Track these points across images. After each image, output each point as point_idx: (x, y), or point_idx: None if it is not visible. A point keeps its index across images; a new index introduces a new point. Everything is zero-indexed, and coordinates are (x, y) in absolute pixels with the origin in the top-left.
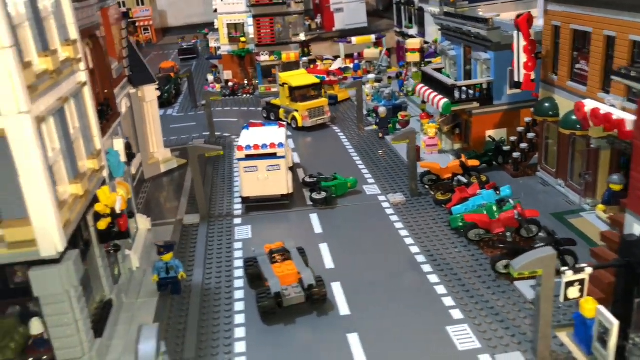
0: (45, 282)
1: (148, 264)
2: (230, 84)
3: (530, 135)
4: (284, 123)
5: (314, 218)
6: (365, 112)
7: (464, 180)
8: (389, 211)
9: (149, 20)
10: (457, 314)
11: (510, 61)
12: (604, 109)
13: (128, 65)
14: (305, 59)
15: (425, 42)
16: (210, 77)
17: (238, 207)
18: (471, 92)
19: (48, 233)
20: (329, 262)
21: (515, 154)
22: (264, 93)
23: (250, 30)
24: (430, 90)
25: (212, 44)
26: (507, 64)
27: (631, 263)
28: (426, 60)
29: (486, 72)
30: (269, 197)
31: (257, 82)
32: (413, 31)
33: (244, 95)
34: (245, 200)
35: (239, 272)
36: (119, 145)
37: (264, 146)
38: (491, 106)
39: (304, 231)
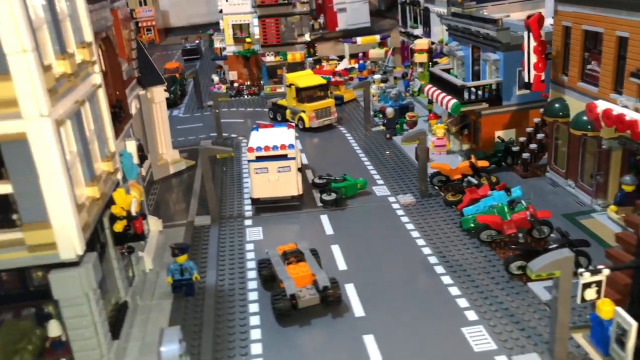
0: (65, 285)
1: (160, 265)
2: (235, 84)
3: (540, 135)
4: (293, 124)
5: (325, 219)
6: (371, 113)
7: (474, 181)
8: (400, 212)
9: (151, 21)
10: (471, 315)
11: (519, 62)
12: (616, 109)
13: (137, 66)
14: (310, 59)
15: (432, 43)
16: (216, 78)
17: (248, 209)
18: (480, 92)
19: (68, 236)
20: (341, 264)
21: (525, 155)
22: (270, 94)
23: (256, 30)
24: (439, 91)
25: (217, 45)
26: (516, 65)
27: None
28: (433, 60)
29: (495, 72)
30: (279, 198)
31: (262, 82)
32: (418, 31)
33: (245, 96)
34: (255, 201)
35: (252, 274)
36: (131, 147)
37: (275, 147)
38: (500, 107)
39: (315, 232)
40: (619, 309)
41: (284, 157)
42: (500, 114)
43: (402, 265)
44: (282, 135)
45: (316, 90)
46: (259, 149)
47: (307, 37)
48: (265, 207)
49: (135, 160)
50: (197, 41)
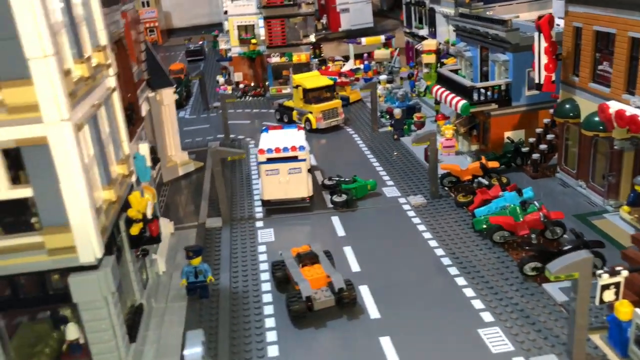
0: (84, 288)
1: (173, 267)
2: (241, 85)
3: (550, 136)
4: (302, 126)
5: (336, 221)
6: (377, 114)
7: (485, 182)
8: (410, 213)
9: (154, 22)
10: (487, 316)
11: (528, 62)
12: (629, 110)
13: (147, 68)
14: (315, 60)
15: (439, 44)
16: (221, 79)
17: (259, 210)
18: (489, 93)
19: (87, 239)
20: (354, 265)
21: (535, 155)
22: (275, 95)
23: (261, 31)
24: (448, 92)
25: (222, 46)
26: (525, 65)
27: None
28: (440, 61)
29: (504, 73)
30: (290, 200)
31: (267, 83)
32: (423, 32)
33: (249, 98)
34: (265, 203)
35: (266, 275)
36: (144, 149)
37: (285, 149)
38: (509, 107)
39: (326, 234)
40: (638, 310)
41: (294, 158)
42: (510, 115)
43: (415, 267)
44: (293, 137)
45: (323, 91)
46: (269, 150)
47: (312, 38)
48: (275, 208)
49: (148, 162)
50: (200, 42)
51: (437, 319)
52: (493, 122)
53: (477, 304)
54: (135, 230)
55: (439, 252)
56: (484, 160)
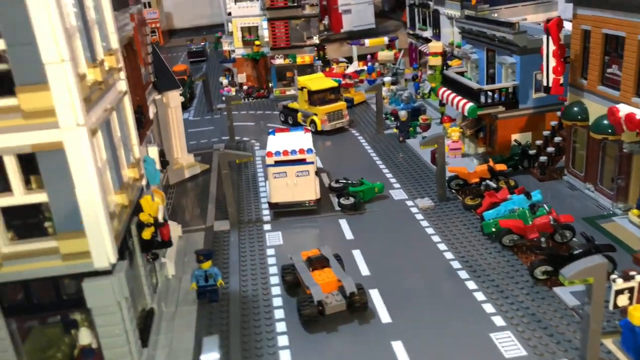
0: (98, 294)
1: (181, 271)
2: (244, 87)
3: (557, 139)
4: (309, 128)
5: (344, 224)
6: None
7: (493, 185)
8: (419, 216)
9: (156, 23)
10: (499, 320)
11: (535, 65)
12: (639, 114)
13: (153, 71)
14: (318, 62)
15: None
16: (225, 81)
17: (266, 213)
18: (497, 96)
19: (101, 245)
20: (364, 269)
21: (542, 158)
22: (279, 96)
23: (265, 33)
24: (454, 94)
25: (226, 47)
26: (532, 68)
27: None
28: (446, 63)
29: (511, 75)
30: (297, 202)
31: (271, 85)
32: (427, 33)
33: (250, 100)
34: (273, 206)
35: (275, 279)
36: (153, 152)
37: (293, 152)
38: (516, 110)
39: (335, 237)
40: None
41: (302, 161)
42: (517, 117)
43: (425, 270)
44: (300, 140)
45: (328, 93)
46: (277, 153)
47: (316, 40)
48: (283, 211)
49: (158, 166)
50: (202, 43)
51: (449, 323)
52: (500, 125)
53: (488, 307)
54: (147, 234)
55: (448, 255)
56: (491, 163)
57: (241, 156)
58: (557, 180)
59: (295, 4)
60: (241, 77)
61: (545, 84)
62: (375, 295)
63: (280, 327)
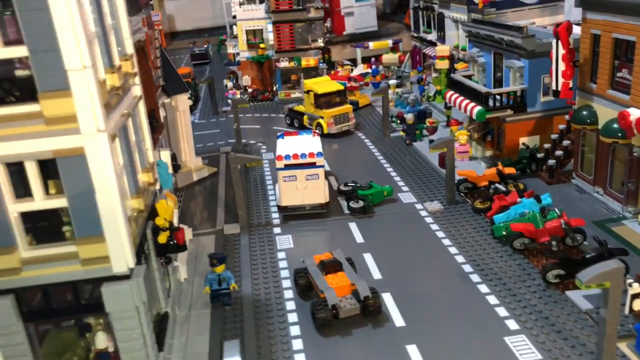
0: (117, 298)
1: (193, 274)
2: (249, 90)
3: (565, 142)
4: (318, 132)
5: (353, 227)
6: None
7: (502, 188)
8: (428, 220)
9: (158, 25)
10: (512, 324)
11: (543, 69)
12: None
13: (162, 74)
14: (323, 64)
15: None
16: (229, 84)
17: (275, 216)
18: (505, 99)
19: (120, 249)
20: (375, 272)
21: (551, 161)
22: (284, 99)
23: (270, 36)
24: (462, 98)
25: (230, 50)
26: (540, 72)
27: None
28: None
29: (519, 79)
30: (306, 206)
31: (276, 88)
32: (432, 36)
33: (253, 102)
34: (282, 209)
35: (287, 283)
36: (165, 156)
37: (303, 156)
38: (524, 113)
39: (345, 241)
40: None
41: (312, 165)
42: (525, 121)
43: (437, 274)
44: (310, 143)
45: (334, 96)
46: (287, 157)
47: (320, 43)
48: (292, 214)
49: (170, 169)
50: (205, 46)
51: (463, 327)
52: (507, 128)
53: (502, 311)
54: (162, 238)
55: (460, 259)
56: (500, 167)
57: (251, 160)
58: (565, 183)
59: (300, 7)
60: (246, 80)
61: (554, 87)
62: (387, 298)
63: (294, 330)
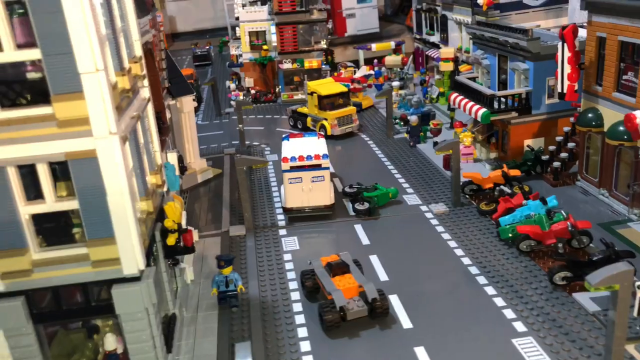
0: (127, 300)
1: (199, 276)
2: (252, 91)
3: (571, 144)
4: (322, 133)
5: (359, 229)
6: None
7: (507, 190)
8: (434, 221)
9: (160, 26)
10: (520, 326)
11: (548, 71)
12: None
13: (168, 76)
14: (326, 66)
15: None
16: (232, 85)
17: (281, 218)
18: (510, 101)
19: (131, 251)
20: (382, 274)
21: (556, 163)
22: (286, 101)
23: (273, 37)
24: (467, 100)
25: (233, 52)
26: (545, 74)
27: None
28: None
29: (524, 81)
30: (312, 208)
31: (279, 89)
32: (435, 38)
33: (256, 104)
34: (287, 210)
35: (294, 284)
36: (172, 158)
37: (309, 157)
38: (529, 115)
39: (351, 242)
40: None
41: (318, 167)
42: (529, 123)
43: (443, 276)
44: (315, 145)
45: (338, 98)
46: (293, 159)
47: (323, 44)
48: (297, 216)
49: (177, 171)
50: (207, 47)
51: (470, 329)
52: (512, 130)
53: (509, 313)
54: (171, 240)
55: (466, 260)
56: (505, 169)
57: (257, 162)
58: (570, 185)
59: (304, 9)
60: (248, 82)
61: (559, 90)
62: (395, 300)
63: (302, 332)
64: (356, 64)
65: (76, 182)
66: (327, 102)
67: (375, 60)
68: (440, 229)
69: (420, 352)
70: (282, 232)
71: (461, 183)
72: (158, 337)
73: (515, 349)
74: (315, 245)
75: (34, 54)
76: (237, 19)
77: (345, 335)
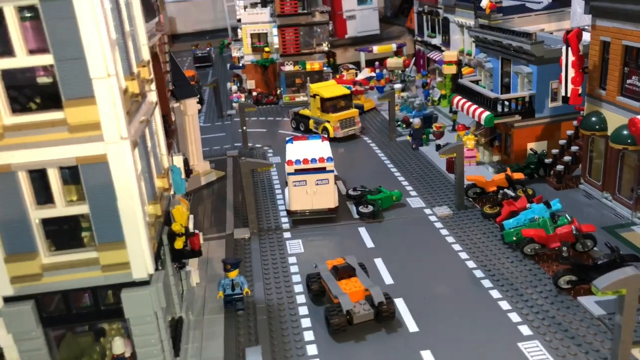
0: (137, 304)
1: (204, 279)
2: (254, 93)
3: (574, 148)
4: (326, 136)
5: (363, 232)
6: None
7: (511, 193)
8: (438, 225)
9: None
10: (525, 330)
11: (552, 74)
12: None
13: (171, 79)
14: (327, 68)
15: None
16: (234, 87)
17: (285, 221)
18: (513, 105)
19: (140, 255)
20: (387, 278)
21: (559, 167)
22: (288, 103)
23: (275, 40)
24: (469, 103)
25: (235, 54)
26: (549, 78)
27: None
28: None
29: (527, 85)
30: (316, 211)
31: (281, 91)
32: (436, 41)
33: (258, 106)
34: (291, 213)
35: (299, 287)
36: (178, 161)
37: (313, 160)
38: (533, 119)
39: (356, 246)
40: None
41: (322, 170)
42: (533, 126)
43: (448, 279)
44: (319, 148)
45: (340, 100)
46: (297, 162)
47: (325, 46)
48: (301, 219)
49: (183, 175)
50: (207, 48)
51: (476, 332)
52: (515, 134)
53: (514, 317)
54: (179, 244)
55: (470, 264)
56: (509, 172)
57: (262, 165)
58: (573, 189)
59: (306, 11)
60: (250, 84)
61: (563, 94)
62: (400, 304)
63: (308, 335)
64: (357, 65)
65: (87, 187)
66: (329, 105)
67: (377, 63)
68: (444, 232)
69: (427, 355)
70: (287, 235)
71: (465, 186)
72: (166, 340)
73: (522, 352)
74: (320, 248)
75: (46, 59)
76: (239, 20)
77: (352, 338)
